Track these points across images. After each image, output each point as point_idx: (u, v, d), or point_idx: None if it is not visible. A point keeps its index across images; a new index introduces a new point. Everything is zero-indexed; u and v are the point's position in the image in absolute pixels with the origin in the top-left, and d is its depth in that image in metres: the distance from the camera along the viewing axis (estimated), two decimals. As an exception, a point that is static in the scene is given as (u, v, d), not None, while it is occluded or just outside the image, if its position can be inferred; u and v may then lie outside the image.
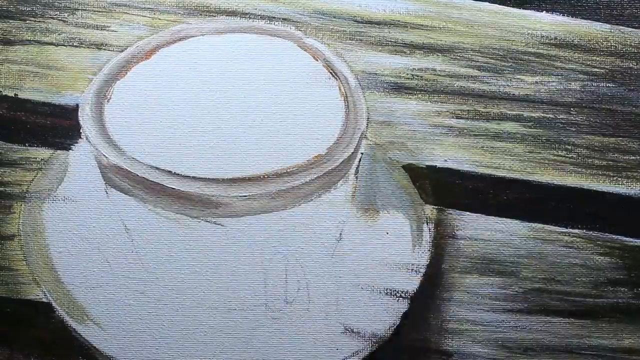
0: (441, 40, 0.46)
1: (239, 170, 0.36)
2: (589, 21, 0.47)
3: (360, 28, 0.45)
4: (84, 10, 0.45)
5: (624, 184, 0.44)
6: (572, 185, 0.44)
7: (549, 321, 0.42)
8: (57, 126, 0.42)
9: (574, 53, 0.46)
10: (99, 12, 0.44)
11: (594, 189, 0.44)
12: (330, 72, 0.40)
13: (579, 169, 0.44)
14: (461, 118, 0.45)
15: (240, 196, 0.35)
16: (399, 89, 0.45)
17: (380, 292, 0.41)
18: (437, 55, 0.46)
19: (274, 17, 0.45)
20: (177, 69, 0.40)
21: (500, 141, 0.44)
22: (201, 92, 0.39)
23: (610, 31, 0.47)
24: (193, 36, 0.41)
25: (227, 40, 0.41)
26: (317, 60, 0.41)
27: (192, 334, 0.40)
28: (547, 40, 0.46)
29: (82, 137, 0.38)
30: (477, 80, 0.45)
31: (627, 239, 0.44)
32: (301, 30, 0.44)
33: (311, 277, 0.38)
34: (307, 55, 0.41)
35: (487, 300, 0.42)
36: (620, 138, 0.45)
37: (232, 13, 0.45)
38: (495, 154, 0.44)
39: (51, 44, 0.44)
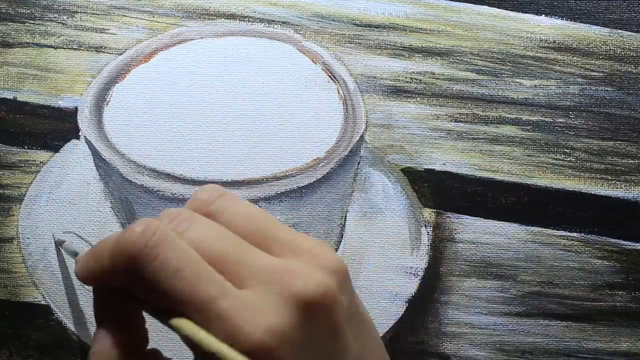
0: (440, 44, 0.46)
1: (238, 173, 0.36)
2: (588, 25, 0.47)
3: (359, 31, 0.46)
4: (83, 12, 0.45)
5: (622, 188, 0.44)
6: (571, 189, 0.44)
7: (546, 324, 0.42)
8: (56, 129, 0.42)
9: (573, 57, 0.46)
10: (98, 14, 0.44)
11: (592, 192, 0.44)
12: (329, 76, 0.41)
13: (578, 173, 0.44)
14: (460, 121, 0.45)
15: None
16: (397, 92, 0.45)
17: (378, 295, 0.41)
18: (436, 58, 0.46)
19: (273, 21, 0.45)
20: (176, 72, 0.40)
21: (498, 145, 0.44)
22: (200, 95, 0.39)
23: (609, 35, 0.47)
24: (192, 39, 0.42)
25: (226, 44, 0.41)
26: (316, 63, 0.41)
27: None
28: (545, 44, 0.46)
29: (81, 139, 0.38)
30: (475, 84, 0.45)
31: (625, 242, 0.44)
32: (300, 34, 0.44)
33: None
34: (306, 58, 0.41)
35: (485, 303, 0.42)
36: (619, 142, 0.45)
37: (231, 16, 0.45)
38: (494, 157, 0.44)
39: (50, 46, 0.44)
